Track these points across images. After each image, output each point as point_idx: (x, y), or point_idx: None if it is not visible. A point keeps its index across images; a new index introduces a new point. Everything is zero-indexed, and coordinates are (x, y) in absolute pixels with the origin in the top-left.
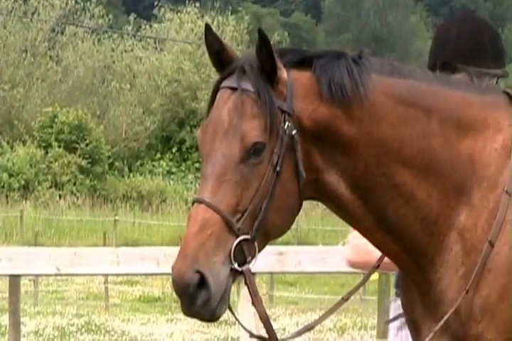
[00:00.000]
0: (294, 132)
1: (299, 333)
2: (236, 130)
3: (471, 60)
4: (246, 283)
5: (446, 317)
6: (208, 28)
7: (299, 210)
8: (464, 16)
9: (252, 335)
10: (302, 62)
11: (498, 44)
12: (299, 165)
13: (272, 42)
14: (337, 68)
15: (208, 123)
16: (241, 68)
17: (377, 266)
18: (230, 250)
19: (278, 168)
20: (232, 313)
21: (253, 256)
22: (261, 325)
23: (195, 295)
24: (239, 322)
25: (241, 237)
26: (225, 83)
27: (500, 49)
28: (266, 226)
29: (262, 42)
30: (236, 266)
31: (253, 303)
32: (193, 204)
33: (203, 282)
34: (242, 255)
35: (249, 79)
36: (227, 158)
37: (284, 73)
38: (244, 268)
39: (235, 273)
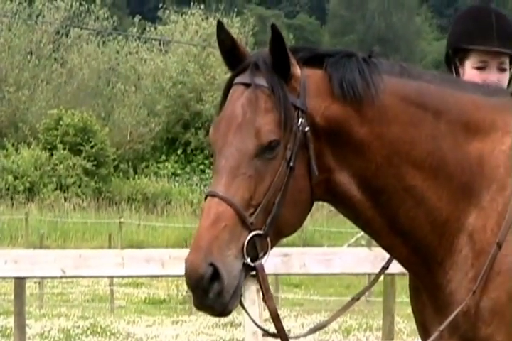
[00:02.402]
0: (307, 129)
1: (312, 331)
2: (250, 124)
3: (478, 40)
4: (258, 279)
5: (451, 317)
6: (220, 25)
7: (310, 208)
8: (472, 6)
9: (264, 332)
10: (313, 59)
11: (505, 25)
12: (312, 162)
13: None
14: (348, 67)
15: (221, 118)
16: (254, 64)
17: (386, 267)
18: (243, 244)
19: (291, 164)
20: (244, 308)
21: (265, 252)
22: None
23: (208, 287)
24: (251, 318)
25: (254, 232)
26: (238, 79)
27: (508, 30)
28: (278, 222)
29: (276, 38)
30: (249, 260)
31: (264, 300)
32: (206, 197)
33: (216, 275)
34: (255, 250)
35: (263, 75)
36: (242, 151)
37: (297, 70)
38: (257, 263)
39: (247, 268)
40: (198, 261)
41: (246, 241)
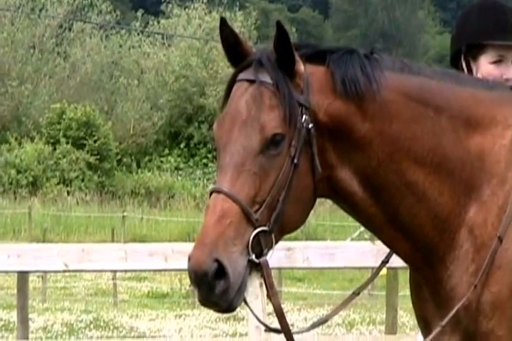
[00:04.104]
0: (310, 126)
1: (313, 326)
2: (255, 121)
3: (497, 35)
4: (262, 275)
5: (453, 311)
6: (223, 21)
7: (313, 205)
8: (482, 2)
9: (266, 327)
10: (316, 56)
11: None
12: (315, 158)
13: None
14: (350, 63)
15: (224, 114)
16: (258, 61)
17: (386, 262)
18: (248, 241)
19: (296, 161)
20: (247, 304)
21: (269, 249)
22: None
23: (213, 284)
24: (254, 314)
25: (259, 229)
26: (241, 76)
27: None
28: (282, 218)
29: (281, 35)
30: (254, 257)
31: (268, 296)
32: (211, 194)
33: (221, 271)
34: (259, 247)
35: (267, 72)
36: (246, 148)
37: (301, 66)
38: (261, 259)
39: (251, 265)
40: (203, 257)
41: (251, 237)
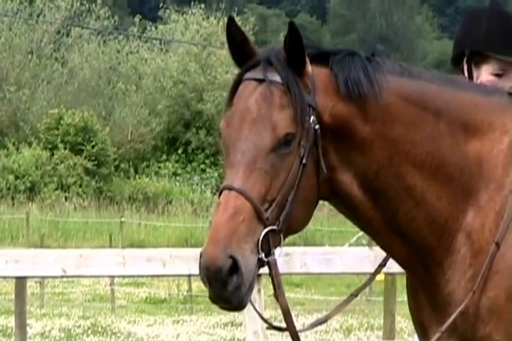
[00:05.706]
0: (317, 127)
1: (314, 325)
2: (266, 119)
3: (503, 50)
4: (270, 274)
5: (452, 317)
6: (231, 20)
7: (316, 206)
8: (493, 8)
9: (269, 325)
10: (318, 57)
11: None
12: (320, 160)
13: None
14: (352, 65)
15: (232, 113)
16: (267, 60)
17: (383, 265)
18: (258, 239)
19: (304, 160)
20: (251, 303)
21: (276, 248)
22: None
23: (226, 280)
24: (256, 311)
25: (269, 227)
26: (248, 75)
27: None
28: (290, 218)
29: (293, 35)
30: (263, 255)
31: (275, 295)
32: (221, 191)
33: (235, 267)
34: (267, 246)
35: (277, 71)
36: (258, 146)
37: (309, 67)
38: (270, 258)
39: (260, 264)
40: (217, 253)
41: (261, 236)
